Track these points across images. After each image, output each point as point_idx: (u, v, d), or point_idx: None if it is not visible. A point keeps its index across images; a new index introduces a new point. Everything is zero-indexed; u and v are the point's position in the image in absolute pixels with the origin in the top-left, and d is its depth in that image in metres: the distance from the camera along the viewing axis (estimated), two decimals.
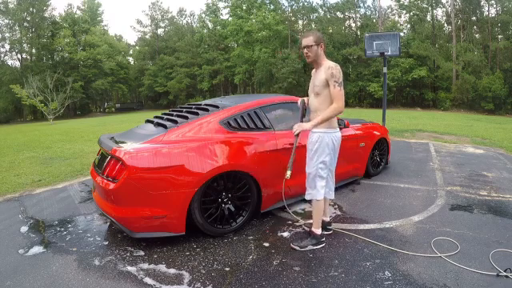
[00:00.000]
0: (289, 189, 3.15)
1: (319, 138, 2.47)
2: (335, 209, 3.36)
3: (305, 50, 2.47)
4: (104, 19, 55.93)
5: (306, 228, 2.88)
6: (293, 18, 37.94)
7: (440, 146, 7.02)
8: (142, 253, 2.51)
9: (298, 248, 2.52)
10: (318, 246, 2.54)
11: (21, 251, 2.58)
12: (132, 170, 2.36)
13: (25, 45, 36.55)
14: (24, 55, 37.59)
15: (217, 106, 3.10)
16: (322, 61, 2.48)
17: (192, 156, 2.55)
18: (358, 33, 33.04)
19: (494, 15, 27.27)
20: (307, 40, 2.45)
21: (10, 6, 34.23)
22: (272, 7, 36.92)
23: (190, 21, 47.50)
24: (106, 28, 47.59)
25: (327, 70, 2.39)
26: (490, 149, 6.74)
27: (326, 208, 2.78)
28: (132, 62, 50.33)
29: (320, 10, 36.57)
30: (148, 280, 2.15)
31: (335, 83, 2.37)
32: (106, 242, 2.71)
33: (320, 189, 2.52)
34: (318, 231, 2.58)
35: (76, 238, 2.80)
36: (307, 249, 2.51)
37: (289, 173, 2.49)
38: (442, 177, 4.52)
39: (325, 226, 2.75)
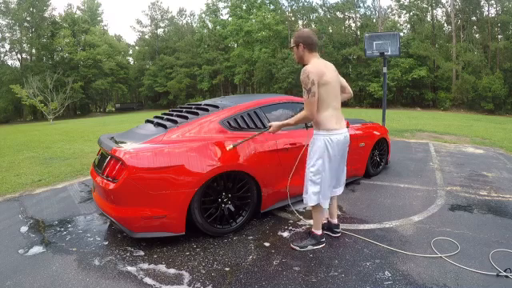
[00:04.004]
0: (289, 188, 3.15)
1: (313, 141, 2.42)
2: None
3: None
4: (104, 19, 56.07)
5: (307, 227, 2.88)
6: (293, 18, 37.95)
7: (440, 146, 7.02)
8: (142, 253, 2.51)
9: (297, 248, 2.51)
10: (318, 246, 2.53)
11: (21, 251, 2.58)
12: (132, 170, 2.36)
13: (25, 45, 36.58)
14: (24, 55, 37.63)
15: (217, 106, 3.10)
16: (307, 62, 2.35)
17: (192, 156, 2.54)
18: (358, 33, 33.03)
19: (493, 15, 27.26)
20: (291, 42, 2.41)
21: (11, 5, 34.25)
22: (272, 7, 36.94)
23: (189, 21, 47.58)
24: (105, 28, 47.74)
25: (300, 76, 2.30)
26: (490, 149, 6.74)
27: (334, 210, 2.71)
28: (132, 62, 50.34)
29: (320, 10, 36.64)
30: (148, 280, 2.15)
31: (304, 90, 2.26)
32: (106, 242, 2.71)
33: (312, 195, 2.41)
34: (318, 232, 2.56)
35: (76, 237, 2.80)
36: (307, 249, 2.50)
37: (231, 146, 2.63)
38: (442, 177, 4.52)
39: (332, 228, 2.70)
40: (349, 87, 2.67)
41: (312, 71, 2.24)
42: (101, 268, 2.31)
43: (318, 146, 2.37)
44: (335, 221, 2.71)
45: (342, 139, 2.39)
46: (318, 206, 2.48)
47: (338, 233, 2.70)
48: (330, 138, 2.34)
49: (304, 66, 2.33)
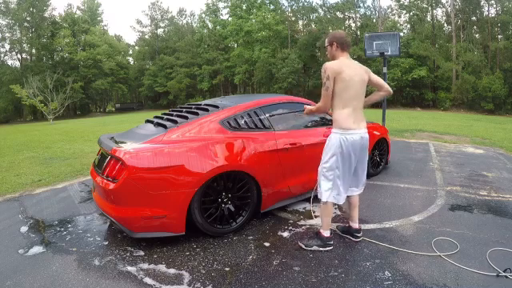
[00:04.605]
0: (289, 188, 3.15)
1: (329, 138, 2.47)
2: (335, 209, 3.36)
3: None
4: (104, 19, 56.07)
5: (307, 227, 2.88)
6: (293, 18, 37.96)
7: (440, 146, 7.02)
8: (142, 253, 2.51)
9: (303, 246, 2.51)
10: (325, 249, 2.48)
11: (21, 251, 2.58)
12: (132, 170, 2.36)
13: (25, 45, 36.59)
14: (24, 55, 37.63)
15: (217, 106, 3.10)
16: (337, 59, 2.48)
17: (192, 156, 2.54)
18: (358, 33, 33.01)
19: (493, 15, 27.25)
20: (324, 42, 2.57)
21: (11, 5, 34.25)
22: (272, 7, 36.94)
23: (189, 21, 47.58)
24: (105, 28, 47.74)
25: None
26: (490, 149, 6.74)
27: (355, 215, 2.66)
28: (132, 62, 50.34)
29: (320, 10, 36.62)
30: (148, 280, 2.15)
31: (322, 83, 2.40)
32: (106, 242, 2.71)
33: (324, 191, 2.45)
34: (325, 233, 2.52)
35: (76, 237, 2.80)
36: (312, 248, 2.49)
37: None
38: (442, 177, 4.52)
39: (353, 233, 2.65)
40: (386, 85, 2.64)
41: (329, 67, 2.34)
42: (101, 268, 2.31)
43: (332, 144, 2.41)
44: (356, 225, 2.66)
45: (358, 139, 2.39)
46: (327, 205, 2.47)
47: (359, 237, 2.63)
48: (346, 137, 2.37)
49: None
